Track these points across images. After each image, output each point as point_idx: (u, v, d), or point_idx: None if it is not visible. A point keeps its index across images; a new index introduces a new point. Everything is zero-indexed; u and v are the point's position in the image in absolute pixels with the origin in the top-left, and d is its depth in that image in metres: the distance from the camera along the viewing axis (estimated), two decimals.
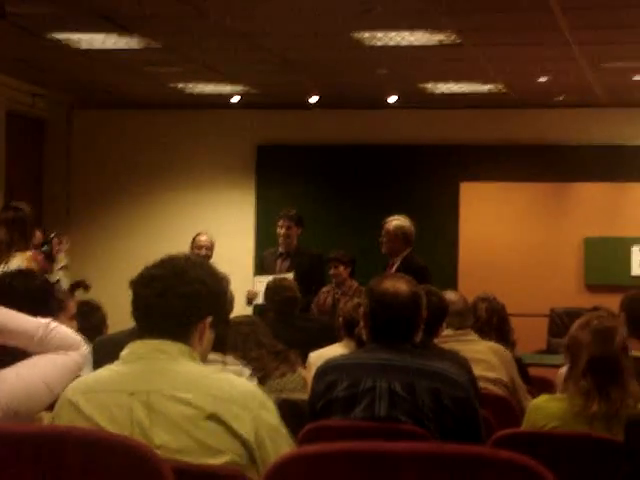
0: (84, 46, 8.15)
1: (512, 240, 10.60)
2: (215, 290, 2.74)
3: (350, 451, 2.08)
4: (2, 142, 10.01)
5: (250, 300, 8.28)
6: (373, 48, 8.03)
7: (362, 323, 3.73)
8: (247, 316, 5.21)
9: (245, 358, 4.36)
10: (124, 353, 2.70)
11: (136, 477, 2.10)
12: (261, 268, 8.72)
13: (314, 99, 10.47)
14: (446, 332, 4.84)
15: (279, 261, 8.49)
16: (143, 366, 2.63)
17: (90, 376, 2.74)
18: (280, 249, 8.53)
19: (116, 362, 2.70)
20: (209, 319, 2.71)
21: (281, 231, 8.48)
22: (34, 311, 3.60)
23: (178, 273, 2.70)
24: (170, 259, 2.77)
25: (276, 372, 4.63)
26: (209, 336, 2.74)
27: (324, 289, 8.19)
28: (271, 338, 4.75)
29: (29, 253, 6.72)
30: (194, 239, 8.67)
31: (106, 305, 6.65)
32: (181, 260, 2.76)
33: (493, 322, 5.51)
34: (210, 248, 8.62)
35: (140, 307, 2.70)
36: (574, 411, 3.51)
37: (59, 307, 4.27)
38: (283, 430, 2.64)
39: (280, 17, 7.21)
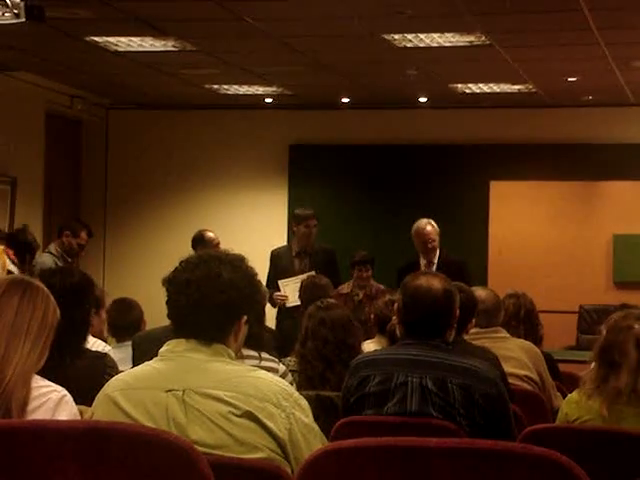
0: (121, 49, 8.28)
1: (541, 238, 10.63)
2: (249, 290, 2.77)
3: (382, 446, 2.11)
4: (42, 143, 10.15)
5: (278, 303, 8.02)
6: (404, 49, 8.11)
7: (396, 319, 3.79)
8: None
9: None
10: (162, 350, 2.75)
11: (175, 470, 2.14)
12: (273, 268, 8.32)
13: (345, 99, 10.55)
14: (476, 329, 4.88)
15: (297, 261, 8.25)
16: (180, 364, 2.68)
17: (128, 373, 2.80)
18: (295, 248, 8.28)
19: (154, 359, 2.75)
20: (244, 318, 2.76)
21: (312, 230, 8.24)
22: (72, 307, 3.70)
23: (212, 277, 2.71)
24: (203, 261, 2.76)
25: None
26: (243, 332, 2.78)
27: (343, 290, 8.06)
28: None
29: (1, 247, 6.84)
30: (203, 237, 8.20)
31: (143, 301, 6.77)
32: (214, 261, 2.76)
33: (521, 316, 5.53)
34: (219, 244, 8.37)
35: (175, 312, 2.74)
36: (605, 407, 3.54)
37: (97, 303, 4.34)
38: (316, 428, 2.69)
39: (313, 19, 7.30)
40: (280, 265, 8.26)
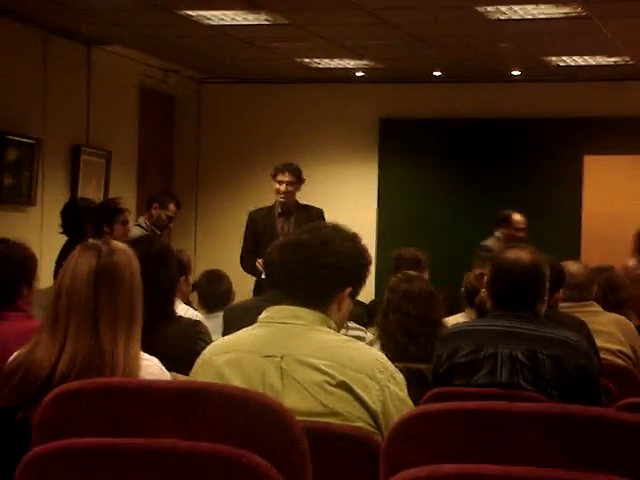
0: (214, 22, 8.35)
1: (635, 213, 10.46)
2: (358, 262, 2.81)
3: (472, 409, 2.13)
4: (135, 116, 10.30)
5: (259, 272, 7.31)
6: (497, 22, 8.03)
7: (485, 292, 3.81)
8: None
9: None
10: (262, 317, 2.79)
11: (268, 432, 2.17)
12: (251, 232, 7.61)
13: (437, 73, 10.49)
14: (568, 303, 4.87)
15: (280, 222, 7.56)
16: (279, 330, 2.71)
17: (229, 337, 2.85)
18: (278, 209, 7.57)
19: (254, 325, 2.79)
20: (349, 289, 2.79)
21: (281, 187, 7.48)
22: (157, 274, 3.76)
23: (325, 242, 2.75)
24: (318, 228, 2.83)
25: None
26: (348, 305, 2.81)
27: None
28: None
29: None
30: None
31: (232, 274, 6.86)
32: (329, 229, 2.81)
33: (610, 290, 5.48)
34: None
35: (283, 272, 2.78)
36: None
37: (183, 269, 4.38)
38: (409, 402, 2.71)
39: None
40: (258, 227, 7.55)
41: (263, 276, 7.11)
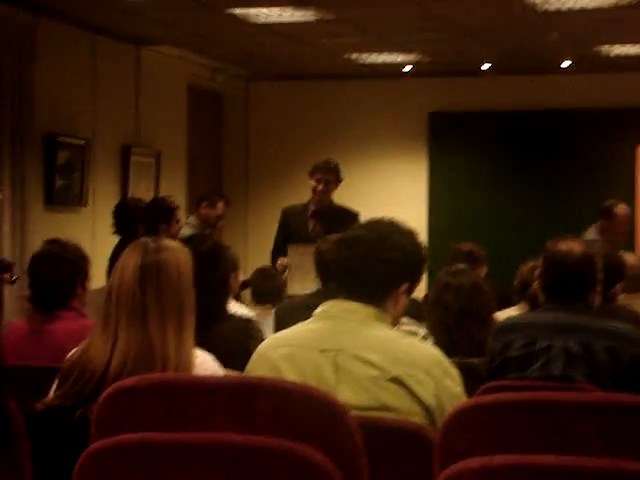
0: (261, 20, 8.38)
1: None
2: (415, 258, 2.82)
3: (524, 401, 2.13)
4: (184, 116, 10.37)
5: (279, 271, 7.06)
6: (545, 13, 7.97)
7: (537, 284, 3.79)
8: None
9: None
10: (317, 311, 2.81)
11: (322, 425, 2.18)
12: (282, 230, 7.39)
13: (486, 66, 10.44)
14: (624, 295, 4.82)
15: (312, 222, 7.30)
16: (334, 325, 2.73)
17: (285, 331, 2.88)
18: (311, 206, 7.33)
19: (309, 320, 2.81)
20: (405, 285, 2.80)
21: (318, 186, 7.24)
22: (210, 271, 3.79)
23: (382, 237, 2.76)
24: (376, 222, 2.83)
25: None
26: (404, 302, 2.82)
27: None
28: None
29: None
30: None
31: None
32: (387, 225, 2.82)
33: None
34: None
35: (340, 267, 2.79)
36: None
37: (232, 266, 4.41)
38: (464, 398, 2.71)
39: None
40: (290, 226, 7.32)
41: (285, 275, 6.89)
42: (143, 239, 2.94)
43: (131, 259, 2.85)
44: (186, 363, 2.75)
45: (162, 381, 2.35)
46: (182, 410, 2.23)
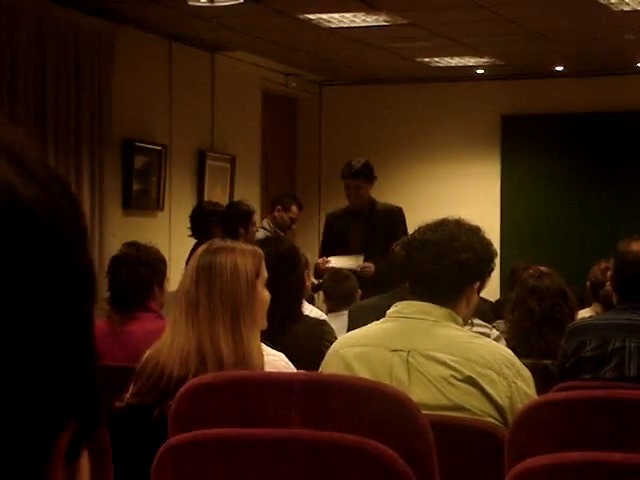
0: (334, 25, 8.43)
1: None
2: (485, 257, 2.86)
3: (596, 398, 2.14)
4: (258, 121, 10.46)
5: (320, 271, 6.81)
6: (621, 13, 7.90)
7: (609, 285, 3.78)
8: None
9: None
10: (390, 311, 2.85)
11: (393, 422, 2.22)
12: (329, 233, 7.14)
13: (559, 67, 10.37)
14: None
15: (352, 223, 7.10)
16: (407, 325, 2.76)
17: (358, 330, 2.93)
18: (351, 209, 7.14)
19: (382, 319, 2.85)
20: (477, 284, 2.84)
21: (350, 193, 7.06)
22: (287, 273, 3.84)
23: (452, 239, 2.79)
24: (443, 224, 2.86)
25: None
26: (475, 299, 2.86)
27: None
28: None
29: None
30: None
31: None
32: (454, 225, 2.85)
33: None
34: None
35: (412, 270, 2.83)
36: None
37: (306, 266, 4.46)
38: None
39: None
40: (335, 229, 7.08)
41: (318, 281, 6.65)
42: (211, 241, 3.03)
43: (193, 260, 2.94)
44: (247, 360, 2.80)
45: (238, 378, 2.40)
46: (256, 406, 2.28)
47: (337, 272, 6.96)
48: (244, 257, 2.93)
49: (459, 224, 2.86)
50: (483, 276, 2.85)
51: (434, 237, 2.80)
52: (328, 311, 6.50)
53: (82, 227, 0.57)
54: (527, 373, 2.74)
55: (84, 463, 0.56)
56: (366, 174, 7.07)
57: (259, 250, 3.05)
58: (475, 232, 2.86)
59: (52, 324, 0.51)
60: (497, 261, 9.69)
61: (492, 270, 2.88)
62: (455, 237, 2.79)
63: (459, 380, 2.66)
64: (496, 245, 9.86)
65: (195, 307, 2.86)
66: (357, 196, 6.96)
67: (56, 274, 0.52)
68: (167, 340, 2.89)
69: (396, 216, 6.97)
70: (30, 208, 0.52)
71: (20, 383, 0.49)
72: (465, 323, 2.83)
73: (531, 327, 4.32)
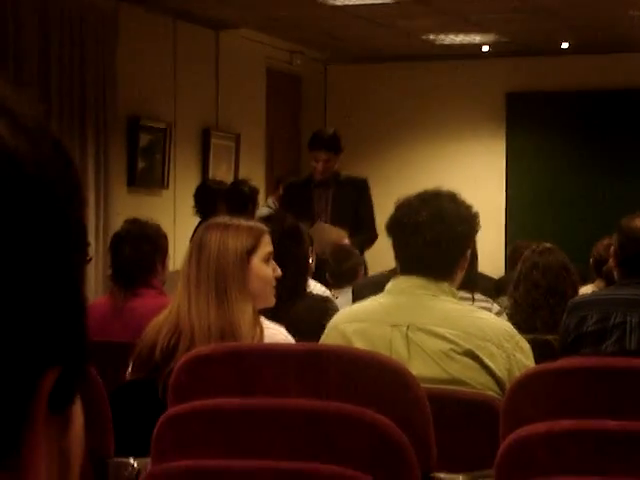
0: (339, 2, 8.41)
1: None
2: (473, 223, 2.86)
3: (590, 367, 2.15)
4: (263, 99, 10.45)
5: None
6: None
7: (612, 261, 3.79)
8: None
9: None
10: (388, 286, 2.85)
11: (390, 391, 2.23)
12: (288, 205, 6.68)
13: (565, 45, 10.33)
14: None
15: (316, 194, 6.77)
16: (405, 300, 2.77)
17: (356, 306, 2.95)
18: (315, 180, 6.79)
19: (380, 294, 2.86)
20: (468, 252, 2.85)
21: (317, 165, 6.69)
22: (292, 249, 3.86)
23: (442, 216, 2.77)
24: (426, 200, 2.82)
25: None
26: (467, 261, 2.87)
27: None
28: None
29: None
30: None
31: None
32: (435, 199, 2.83)
33: None
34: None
35: (407, 253, 2.81)
36: None
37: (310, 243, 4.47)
38: None
39: None
40: (295, 200, 6.72)
41: None
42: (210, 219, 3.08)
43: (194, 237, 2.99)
44: (235, 332, 2.83)
45: (236, 349, 2.42)
46: (254, 377, 2.29)
47: (340, 249, 6.97)
48: (237, 232, 2.96)
49: (439, 196, 2.85)
50: (473, 239, 2.87)
51: (424, 218, 2.78)
52: (332, 288, 6.52)
53: (73, 182, 0.58)
54: (526, 345, 2.75)
55: (77, 414, 0.57)
56: (336, 146, 6.79)
57: (260, 226, 3.07)
58: (455, 199, 2.86)
59: (38, 271, 0.52)
60: (502, 239, 9.74)
61: (478, 230, 2.89)
62: (443, 213, 2.79)
63: (458, 354, 2.67)
64: (501, 224, 9.92)
65: (187, 282, 2.91)
66: (326, 168, 6.68)
67: (44, 225, 0.53)
68: (163, 315, 2.92)
69: (362, 188, 6.79)
70: (18, 159, 0.53)
71: (4, 328, 0.50)
72: (457, 287, 2.84)
73: (538, 300, 4.34)
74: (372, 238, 6.67)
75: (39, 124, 0.56)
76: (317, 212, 6.56)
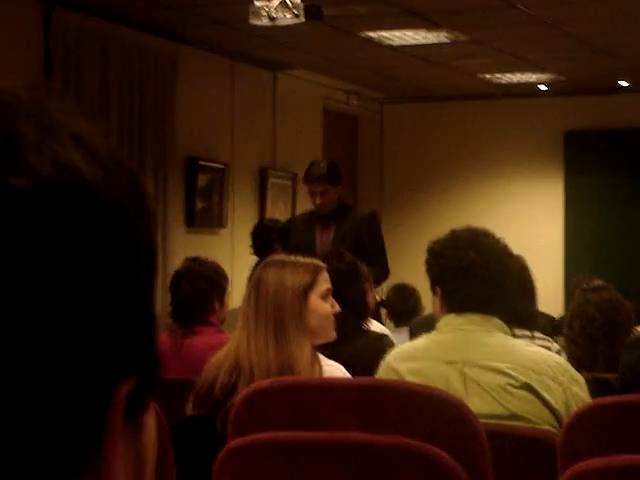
0: (395, 42, 8.47)
1: None
2: (510, 256, 2.90)
3: None
4: (319, 139, 10.53)
5: None
6: None
7: None
8: None
9: None
10: (440, 324, 2.86)
11: (448, 426, 2.23)
12: (292, 240, 6.53)
13: (623, 83, 10.30)
14: None
15: (319, 229, 6.49)
16: (459, 337, 2.79)
17: (408, 344, 2.95)
18: (317, 214, 6.52)
19: (432, 332, 2.88)
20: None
21: (315, 199, 6.40)
22: (347, 288, 3.88)
23: (492, 254, 2.81)
24: (470, 239, 2.85)
25: None
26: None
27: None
28: None
29: None
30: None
31: (420, 289, 6.94)
32: (479, 237, 2.86)
33: None
34: None
35: (462, 294, 2.83)
36: None
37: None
38: None
39: (585, 2, 7.21)
40: (297, 235, 6.53)
41: None
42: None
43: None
44: (292, 369, 2.85)
45: (295, 384, 2.45)
46: (313, 411, 2.32)
47: (401, 287, 6.99)
48: (294, 270, 2.99)
49: (476, 234, 2.87)
50: (531, 279, 2.91)
51: (474, 258, 2.80)
52: (394, 326, 6.53)
53: (146, 210, 0.61)
54: (581, 378, 2.75)
55: (149, 421, 0.61)
56: (331, 177, 6.44)
57: (317, 263, 3.10)
58: (489, 234, 2.89)
59: (112, 292, 0.56)
60: (561, 278, 9.64)
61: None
62: (490, 249, 2.82)
63: (516, 387, 2.68)
64: (560, 263, 9.86)
65: (246, 319, 2.95)
66: (324, 201, 6.38)
67: (119, 250, 0.57)
68: (222, 353, 2.96)
69: (370, 221, 6.45)
70: (94, 189, 0.56)
71: (85, 343, 0.54)
72: (516, 325, 2.86)
73: (595, 334, 4.31)
74: (384, 276, 6.32)
75: (114, 155, 0.59)
76: (319, 246, 6.31)
